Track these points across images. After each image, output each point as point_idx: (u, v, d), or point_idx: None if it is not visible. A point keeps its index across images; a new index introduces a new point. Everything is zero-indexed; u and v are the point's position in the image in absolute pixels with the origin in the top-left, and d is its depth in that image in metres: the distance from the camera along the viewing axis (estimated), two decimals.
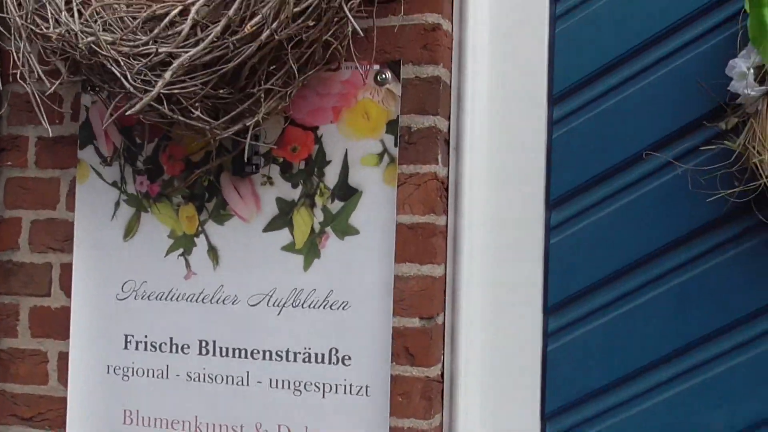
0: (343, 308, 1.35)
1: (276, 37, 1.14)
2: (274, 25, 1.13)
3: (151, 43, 1.18)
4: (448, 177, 1.39)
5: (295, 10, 1.14)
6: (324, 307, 1.35)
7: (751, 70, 1.20)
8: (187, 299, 1.43)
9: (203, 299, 1.42)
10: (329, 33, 1.22)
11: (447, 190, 1.39)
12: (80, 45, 1.20)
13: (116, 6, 1.22)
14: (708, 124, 1.28)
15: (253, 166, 1.37)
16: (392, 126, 1.34)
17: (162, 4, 1.21)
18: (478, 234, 1.38)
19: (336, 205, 1.36)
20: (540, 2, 1.38)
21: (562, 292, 1.37)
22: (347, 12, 1.19)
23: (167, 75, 1.12)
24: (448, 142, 1.39)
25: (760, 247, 1.28)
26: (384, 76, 1.34)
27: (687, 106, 1.31)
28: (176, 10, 1.20)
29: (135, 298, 1.45)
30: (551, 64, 1.39)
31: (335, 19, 1.22)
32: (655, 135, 1.32)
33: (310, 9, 1.15)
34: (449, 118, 1.38)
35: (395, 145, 1.33)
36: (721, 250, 1.30)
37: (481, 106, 1.39)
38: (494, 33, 1.39)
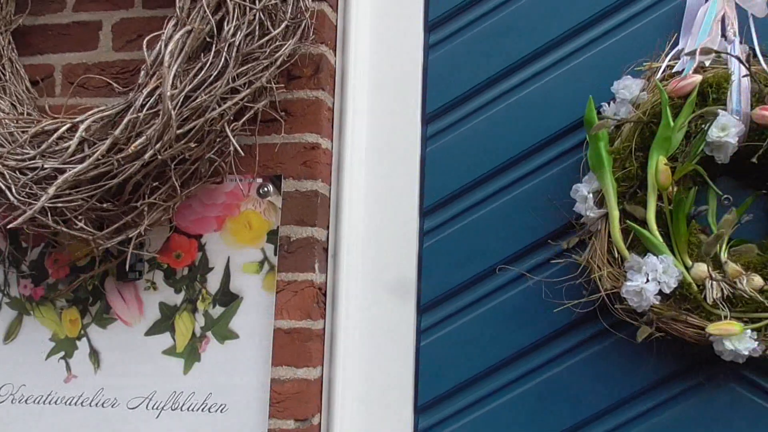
0: (221, 411, 1.39)
1: (159, 156, 1.22)
2: (158, 145, 1.22)
3: (38, 157, 1.24)
4: (326, 283, 1.48)
5: (179, 131, 1.23)
6: (203, 410, 1.39)
7: (591, 194, 1.36)
8: (66, 402, 1.44)
9: (83, 402, 1.43)
10: (212, 151, 1.31)
11: (325, 295, 1.47)
12: None
13: (6, 121, 1.28)
14: (552, 242, 1.42)
15: (137, 273, 1.42)
16: (273, 235, 1.43)
17: (51, 121, 1.28)
18: (354, 337, 1.47)
19: (217, 311, 1.42)
20: (412, 126, 1.53)
21: (432, 391, 1.47)
22: (229, 134, 1.29)
23: (51, 190, 1.18)
24: (326, 250, 1.48)
25: (606, 351, 1.42)
26: (266, 189, 1.44)
27: (539, 223, 1.45)
28: (65, 127, 1.26)
29: (12, 402, 1.46)
30: (422, 182, 1.52)
31: (218, 139, 1.31)
32: (512, 248, 1.46)
33: (193, 131, 1.24)
34: (328, 228, 1.48)
35: (275, 253, 1.42)
36: (573, 354, 1.43)
37: (357, 217, 1.50)
38: (370, 151, 1.52)
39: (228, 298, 1.42)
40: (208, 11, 1.23)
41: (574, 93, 1.45)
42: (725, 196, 1.40)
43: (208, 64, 1.25)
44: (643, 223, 1.32)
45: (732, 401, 1.36)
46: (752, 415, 1.35)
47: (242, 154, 1.32)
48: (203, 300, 1.42)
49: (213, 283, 1.42)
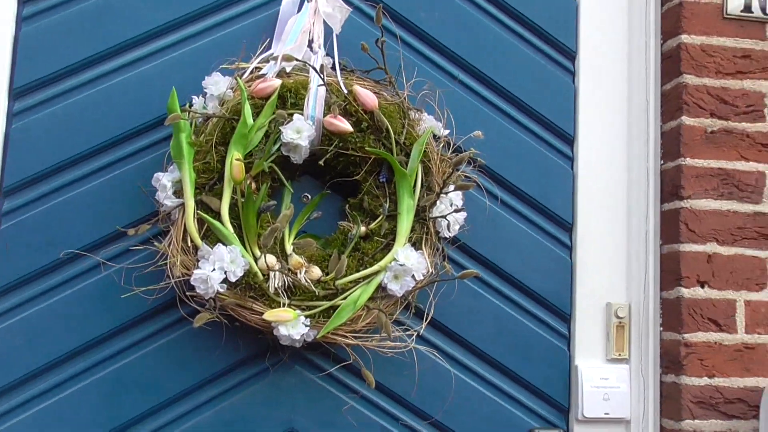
0: None
1: None
2: None
3: None
4: None
5: None
6: None
7: (171, 184, 1.39)
8: None
9: None
10: None
11: None
12: None
13: None
14: (121, 228, 1.43)
15: None
16: None
17: None
18: None
19: None
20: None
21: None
22: None
23: None
24: None
25: (183, 338, 1.46)
26: None
27: (125, 211, 1.45)
28: None
29: None
30: (4, 161, 1.44)
31: None
32: (96, 235, 1.44)
33: None
34: None
35: None
36: (150, 341, 1.45)
37: None
38: None
39: None
40: None
41: (169, 85, 1.46)
42: (304, 194, 1.52)
43: None
44: (219, 215, 1.38)
45: (296, 382, 1.48)
46: (314, 394, 1.48)
47: None
48: None
49: None
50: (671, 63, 1.63)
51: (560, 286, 1.60)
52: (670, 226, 1.59)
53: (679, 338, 1.53)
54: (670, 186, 1.60)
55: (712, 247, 1.56)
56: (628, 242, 1.63)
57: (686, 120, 1.58)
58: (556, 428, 1.57)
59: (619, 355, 1.60)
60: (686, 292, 1.54)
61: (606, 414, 1.57)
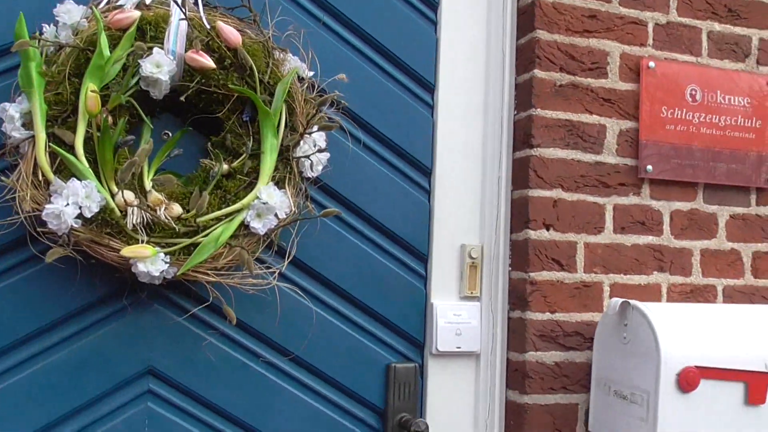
0: None
1: None
2: None
3: None
4: None
5: None
6: None
7: (18, 114, 1.32)
8: None
9: None
10: None
11: None
12: None
13: None
14: None
15: None
16: None
17: None
18: None
19: None
20: None
21: None
22: None
23: None
24: None
25: (35, 277, 1.40)
26: None
27: None
28: None
29: None
30: None
31: None
32: None
33: None
34: None
35: None
36: (1, 279, 1.39)
37: None
38: None
39: None
40: None
41: (16, 11, 1.37)
42: (165, 131, 1.49)
43: None
44: (72, 149, 1.33)
45: (156, 321, 1.47)
46: (174, 333, 1.48)
47: None
48: None
49: None
50: (526, 18, 1.71)
51: (418, 228, 1.67)
52: (521, 173, 1.69)
53: (526, 277, 1.64)
54: (522, 135, 1.70)
55: (557, 193, 1.67)
56: (483, 187, 1.72)
57: (538, 73, 1.67)
58: (411, 362, 1.65)
59: (472, 293, 1.70)
60: (533, 234, 1.65)
61: (458, 348, 1.67)
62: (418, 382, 1.64)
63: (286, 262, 1.50)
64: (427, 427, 1.56)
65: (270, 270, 1.48)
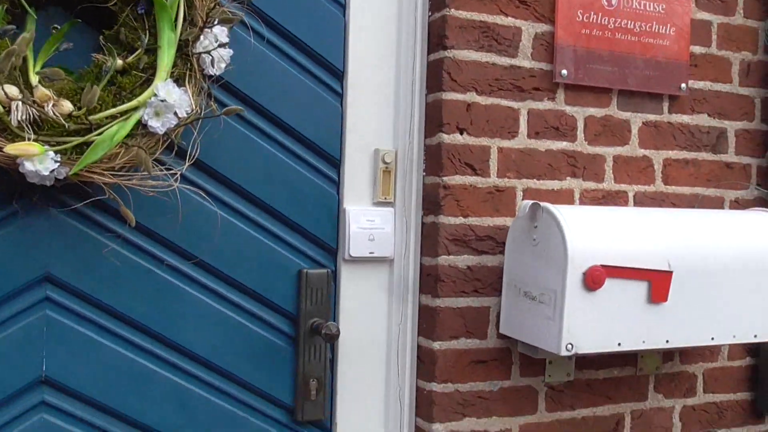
0: None
1: None
2: None
3: None
4: None
5: None
6: None
7: None
8: None
9: None
10: None
11: None
12: None
13: None
14: None
15: None
16: None
17: None
18: None
19: None
20: None
21: None
22: None
23: None
24: None
25: None
26: None
27: None
28: None
29: None
30: None
31: None
32: None
33: None
34: None
35: None
36: None
37: None
38: None
39: None
40: None
41: None
42: (54, 25, 1.40)
43: None
44: None
45: (51, 225, 1.40)
46: (71, 237, 1.42)
47: None
48: None
49: None
50: None
51: (330, 132, 1.63)
52: (435, 76, 1.65)
53: (439, 181, 1.63)
54: (436, 37, 1.65)
55: (471, 97, 1.65)
56: (396, 90, 1.68)
57: None
58: (324, 268, 1.63)
59: (385, 198, 1.68)
60: (446, 138, 1.63)
61: (371, 253, 1.65)
62: (331, 287, 1.63)
63: (187, 164, 1.44)
64: (339, 331, 1.56)
65: (171, 172, 1.42)
